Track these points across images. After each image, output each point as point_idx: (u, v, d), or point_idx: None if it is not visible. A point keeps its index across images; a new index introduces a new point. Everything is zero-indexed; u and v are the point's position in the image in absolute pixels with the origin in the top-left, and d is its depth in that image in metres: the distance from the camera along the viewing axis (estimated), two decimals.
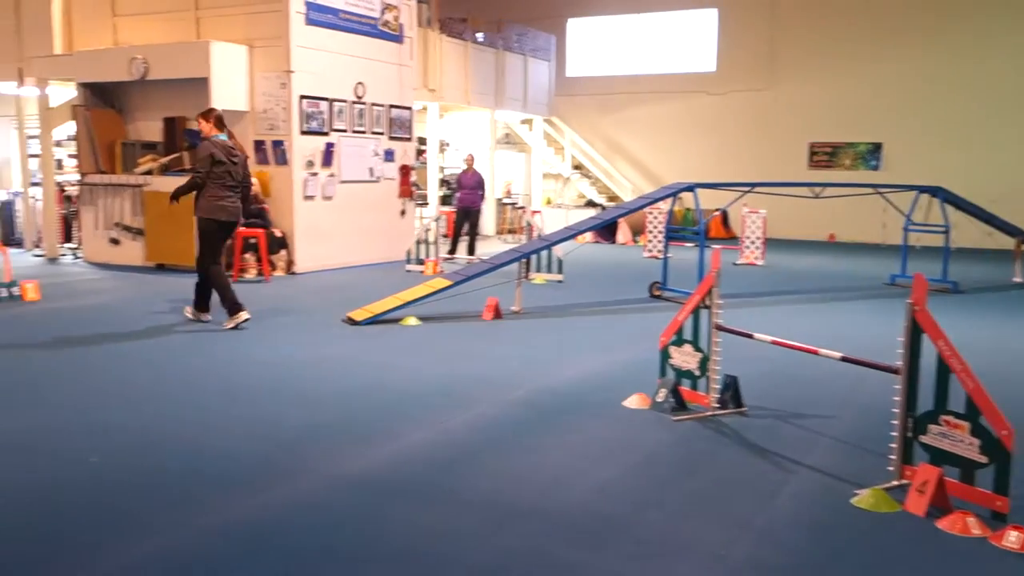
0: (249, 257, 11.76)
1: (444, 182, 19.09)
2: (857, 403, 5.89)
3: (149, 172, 12.53)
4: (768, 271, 14.05)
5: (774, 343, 5.16)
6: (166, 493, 4.10)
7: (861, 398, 5.98)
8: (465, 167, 15.09)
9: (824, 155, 20.49)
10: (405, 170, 14.52)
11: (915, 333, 4.14)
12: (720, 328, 5.44)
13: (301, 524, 3.76)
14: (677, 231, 13.98)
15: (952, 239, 12.09)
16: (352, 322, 8.49)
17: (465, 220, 14.88)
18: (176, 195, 8.12)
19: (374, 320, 8.48)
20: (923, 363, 4.16)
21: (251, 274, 11.73)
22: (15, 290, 9.60)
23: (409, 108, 14.65)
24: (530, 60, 20.87)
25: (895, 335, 4.33)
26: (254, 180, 12.03)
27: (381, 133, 14.00)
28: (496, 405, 5.71)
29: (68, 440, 4.89)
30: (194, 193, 8.10)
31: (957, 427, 3.96)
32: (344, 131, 13.20)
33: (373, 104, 13.73)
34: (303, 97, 12.40)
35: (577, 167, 22.57)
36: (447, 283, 9.13)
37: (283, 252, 12.25)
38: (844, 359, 4.72)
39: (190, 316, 8.40)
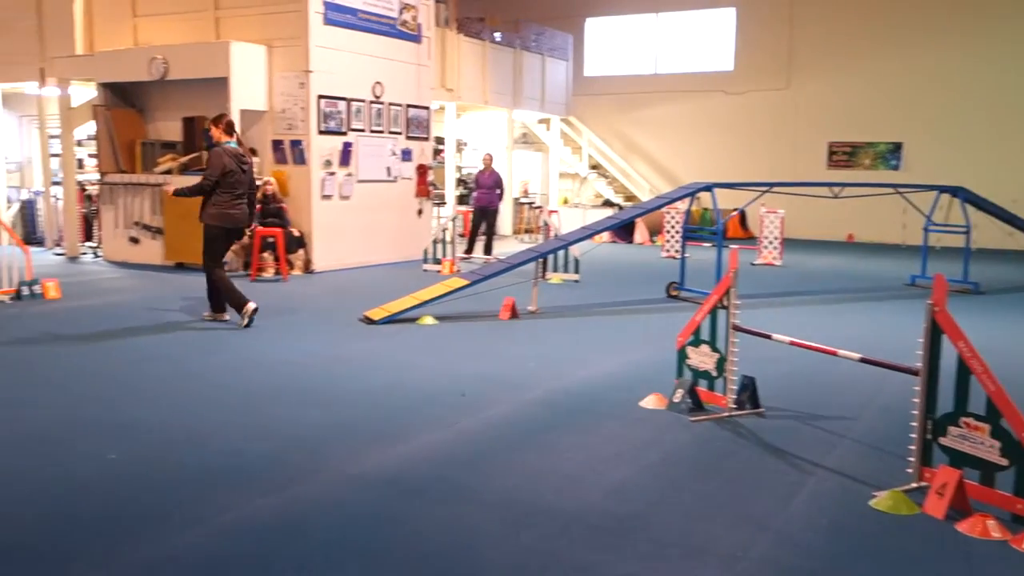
0: (267, 256, 11.82)
1: (461, 181, 19.10)
2: (876, 405, 5.85)
3: (169, 171, 12.61)
4: (786, 271, 13.97)
5: (792, 344, 5.14)
6: (183, 490, 4.13)
7: (880, 400, 5.94)
8: (483, 167, 15.10)
9: (843, 155, 20.35)
10: (422, 170, 14.55)
11: (935, 334, 4.11)
12: (738, 328, 5.41)
13: (318, 522, 3.78)
14: (695, 231, 13.94)
15: (973, 239, 11.98)
16: (369, 321, 8.51)
17: (482, 220, 14.89)
18: (180, 193, 8.21)
19: (391, 319, 8.50)
20: (943, 364, 4.13)
21: (269, 273, 11.79)
22: (36, 288, 9.69)
23: (427, 108, 14.67)
24: (548, 60, 20.86)
25: (915, 336, 4.30)
26: (271, 180, 12.16)
27: (399, 133, 14.03)
28: (513, 405, 5.71)
29: (88, 436, 4.93)
30: (194, 185, 8.22)
31: (977, 429, 3.93)
32: (362, 131, 13.24)
33: (391, 104, 13.77)
34: (321, 97, 12.45)
35: (594, 167, 22.54)
36: (464, 282, 9.14)
37: (301, 251, 12.31)
38: (863, 360, 4.69)
39: (208, 319, 8.46)
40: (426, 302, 8.75)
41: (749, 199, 11.54)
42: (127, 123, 13.35)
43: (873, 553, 3.61)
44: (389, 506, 3.97)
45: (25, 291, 9.58)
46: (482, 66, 18.40)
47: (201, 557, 3.45)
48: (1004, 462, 3.84)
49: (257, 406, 5.61)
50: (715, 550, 3.58)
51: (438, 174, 16.78)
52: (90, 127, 14.36)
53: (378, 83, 13.45)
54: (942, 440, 4.09)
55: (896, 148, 19.83)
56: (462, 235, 15.52)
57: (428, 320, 8.54)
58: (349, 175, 13.07)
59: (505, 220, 19.05)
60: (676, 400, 5.61)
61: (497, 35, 19.35)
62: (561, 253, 11.56)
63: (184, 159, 12.64)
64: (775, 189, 10.99)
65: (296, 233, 12.20)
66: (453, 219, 13.74)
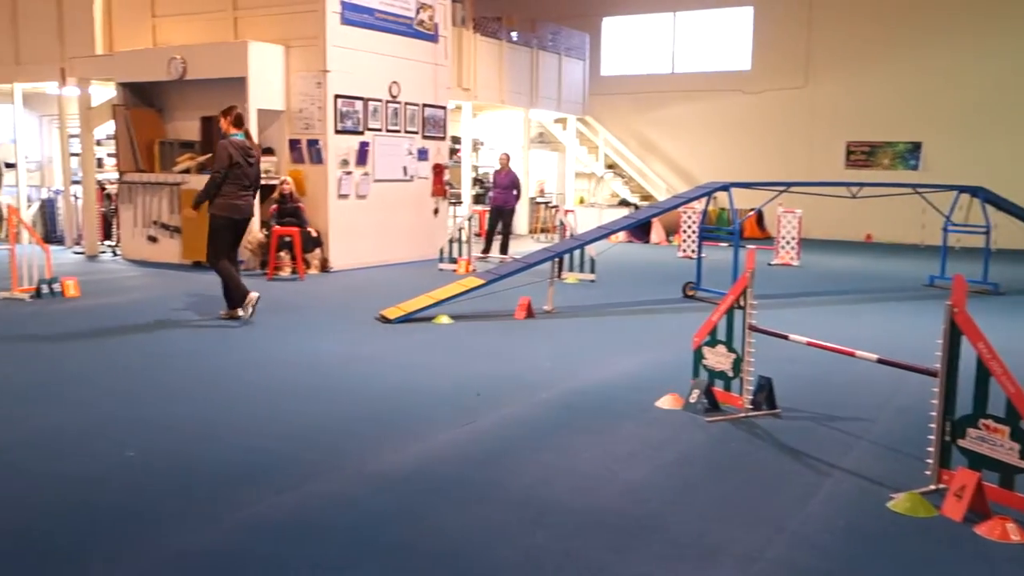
0: (284, 255, 11.87)
1: (477, 181, 19.11)
2: (894, 406, 5.81)
3: (187, 171, 12.70)
4: (803, 272, 13.90)
5: (809, 344, 5.11)
6: (199, 487, 4.16)
7: (898, 401, 5.90)
8: (500, 166, 15.11)
9: (861, 154, 20.23)
10: (439, 169, 14.57)
11: (954, 335, 4.07)
12: (754, 329, 5.39)
13: (334, 520, 3.79)
14: (711, 231, 13.89)
15: (993, 240, 11.88)
16: (385, 320, 8.54)
17: (498, 219, 14.88)
18: (198, 203, 8.26)
19: (407, 318, 8.52)
20: (962, 366, 4.10)
21: (286, 272, 11.84)
22: (56, 286, 9.78)
23: (443, 107, 14.69)
24: (564, 59, 20.84)
25: (933, 337, 4.27)
26: (288, 179, 12.21)
27: (415, 132, 14.06)
28: (528, 404, 5.71)
29: (105, 433, 4.97)
30: (204, 186, 8.30)
31: (997, 431, 3.90)
32: (379, 130, 13.27)
33: (407, 103, 13.80)
34: (338, 96, 12.49)
35: (610, 166, 22.50)
36: (480, 282, 9.15)
37: (317, 250, 12.35)
38: (881, 361, 4.66)
39: (224, 317, 8.50)
40: (442, 301, 8.77)
41: (766, 199, 11.49)
42: (146, 123, 13.44)
43: (890, 555, 3.58)
44: (405, 504, 3.98)
45: (45, 289, 9.67)
46: (499, 65, 18.40)
47: (217, 554, 3.47)
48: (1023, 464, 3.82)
49: (273, 404, 5.64)
50: (731, 551, 3.57)
51: (454, 174, 16.80)
52: (109, 127, 14.48)
53: (395, 83, 13.48)
54: (961, 442, 4.06)
55: (915, 148, 19.68)
56: (478, 234, 15.53)
57: (444, 319, 8.55)
58: (366, 174, 13.10)
59: (521, 219, 19.05)
60: (692, 400, 5.60)
61: (514, 34, 19.35)
62: (577, 253, 11.54)
63: (202, 158, 12.71)
64: (793, 189, 10.94)
65: (313, 232, 12.25)
66: (469, 218, 13.75)
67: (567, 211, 18.10)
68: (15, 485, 4.18)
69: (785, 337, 5.28)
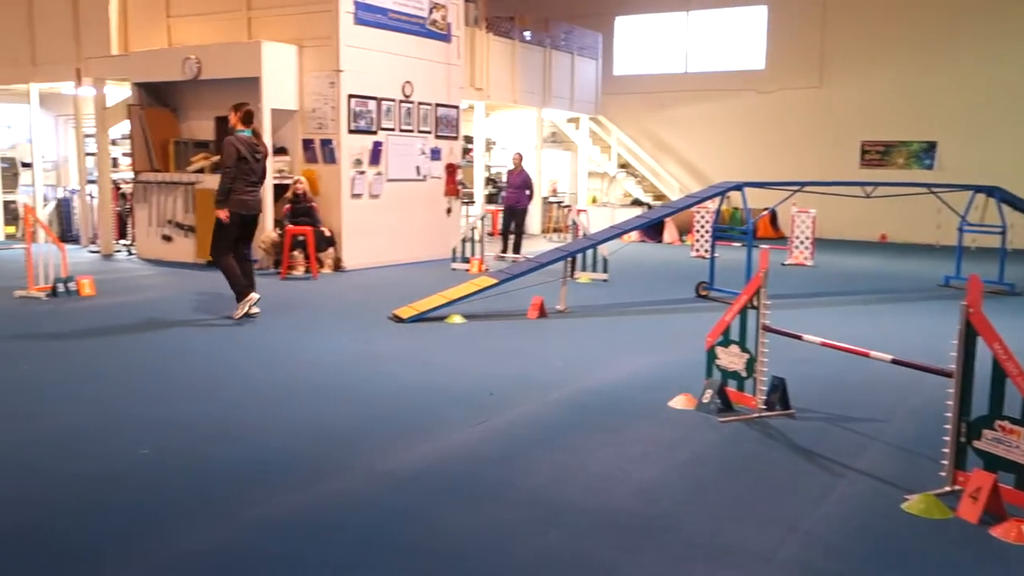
0: (297, 254, 11.91)
1: (490, 180, 19.10)
2: (909, 407, 5.78)
3: (201, 170, 12.75)
4: (817, 272, 13.84)
5: (823, 345, 5.09)
6: (212, 485, 4.18)
7: (913, 402, 5.87)
8: (513, 166, 15.12)
9: (876, 154, 20.12)
10: (451, 169, 14.58)
11: (969, 336, 4.05)
12: (768, 329, 5.37)
13: (346, 520, 3.80)
14: (725, 231, 13.85)
15: (1009, 240, 11.80)
16: (398, 319, 8.55)
17: (511, 219, 14.91)
18: (221, 202, 8.27)
19: (419, 318, 8.53)
20: (978, 367, 4.07)
21: (299, 271, 11.88)
22: (72, 285, 9.84)
23: (456, 107, 14.70)
24: (577, 58, 20.82)
25: (948, 338, 4.24)
26: (302, 179, 12.25)
27: (428, 132, 14.08)
28: (540, 404, 5.71)
29: (120, 431, 5.00)
30: (218, 186, 8.34)
31: (1013, 432, 3.87)
32: (392, 130, 13.30)
33: (420, 103, 13.82)
34: (351, 96, 12.52)
35: (623, 166, 22.45)
36: (492, 281, 9.15)
37: (331, 250, 12.39)
38: (895, 362, 4.63)
39: (239, 316, 8.53)
40: (454, 301, 8.78)
41: (780, 198, 11.44)
42: (161, 122, 13.51)
43: (905, 557, 3.56)
44: (416, 503, 3.99)
45: (61, 288, 9.73)
46: (511, 65, 18.40)
47: (230, 552, 3.49)
48: None
49: (286, 402, 5.66)
50: (744, 551, 3.56)
51: (467, 173, 16.80)
52: (124, 126, 14.57)
53: (408, 82, 13.50)
54: (976, 443, 4.04)
55: (930, 147, 19.56)
56: (491, 234, 15.53)
57: (456, 319, 8.56)
58: (379, 174, 13.13)
59: (534, 219, 19.04)
60: (705, 400, 5.58)
61: (526, 34, 19.34)
62: (590, 252, 11.53)
63: (216, 158, 12.74)
64: (807, 189, 10.89)
65: (326, 232, 12.28)
66: (482, 218, 13.76)
67: (580, 211, 18.08)
68: (30, 483, 4.20)
69: (799, 337, 5.26)
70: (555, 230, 19.66)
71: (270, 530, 3.69)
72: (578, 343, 7.76)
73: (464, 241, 13.21)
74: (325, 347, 7.37)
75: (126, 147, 15.10)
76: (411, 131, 13.71)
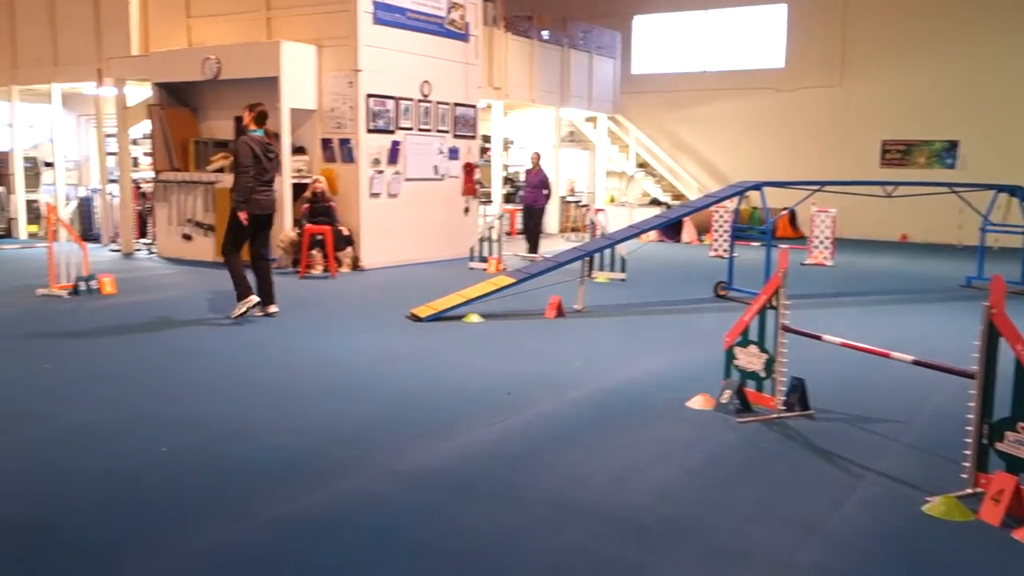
0: (316, 253, 11.95)
1: (508, 180, 19.10)
2: (930, 408, 5.72)
3: (220, 170, 12.82)
4: (837, 272, 13.75)
5: (843, 345, 5.05)
6: (230, 484, 4.19)
7: (934, 403, 5.82)
8: (531, 165, 15.11)
9: (897, 153, 19.96)
10: (469, 168, 14.59)
11: (992, 337, 4.00)
12: (787, 329, 5.34)
13: (364, 517, 3.81)
14: (743, 230, 13.78)
15: None
16: (415, 318, 8.56)
17: (529, 218, 14.91)
18: (241, 203, 8.30)
19: (437, 317, 8.53)
20: (1000, 368, 4.03)
21: (318, 270, 11.92)
22: (93, 284, 9.92)
23: (474, 106, 14.71)
24: (595, 57, 20.78)
25: (970, 339, 4.20)
26: (320, 178, 12.29)
27: (446, 131, 14.09)
28: (558, 403, 5.70)
29: (139, 429, 5.03)
30: (232, 185, 8.42)
31: None
32: (410, 129, 13.32)
33: (438, 102, 13.83)
34: (370, 96, 12.54)
35: (642, 165, 22.40)
36: (510, 281, 9.15)
37: (349, 249, 12.42)
38: (917, 363, 4.59)
39: (259, 314, 8.57)
40: (472, 300, 8.78)
41: (799, 198, 11.37)
42: (181, 122, 13.60)
43: (925, 560, 3.53)
44: (434, 502, 3.99)
45: (82, 286, 9.81)
46: (529, 64, 18.40)
47: (247, 551, 3.50)
48: None
49: (304, 401, 5.68)
50: (763, 553, 3.53)
51: (485, 172, 16.81)
52: (145, 126, 14.68)
53: (426, 82, 13.52)
54: (998, 445, 3.99)
55: (952, 146, 19.39)
56: (508, 233, 15.52)
57: (474, 318, 8.56)
58: (397, 173, 13.16)
59: (552, 218, 19.03)
60: (723, 401, 5.55)
61: (545, 33, 19.34)
62: (608, 252, 11.51)
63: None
64: (826, 188, 10.82)
65: (345, 231, 12.32)
66: (500, 217, 13.76)
67: (598, 210, 18.04)
68: (49, 481, 4.24)
69: (818, 338, 5.22)
70: (573, 229, 19.64)
71: (287, 528, 3.70)
72: (596, 343, 7.74)
73: (481, 240, 13.21)
74: (343, 346, 7.39)
75: (147, 147, 15.21)
76: (429, 130, 13.73)
